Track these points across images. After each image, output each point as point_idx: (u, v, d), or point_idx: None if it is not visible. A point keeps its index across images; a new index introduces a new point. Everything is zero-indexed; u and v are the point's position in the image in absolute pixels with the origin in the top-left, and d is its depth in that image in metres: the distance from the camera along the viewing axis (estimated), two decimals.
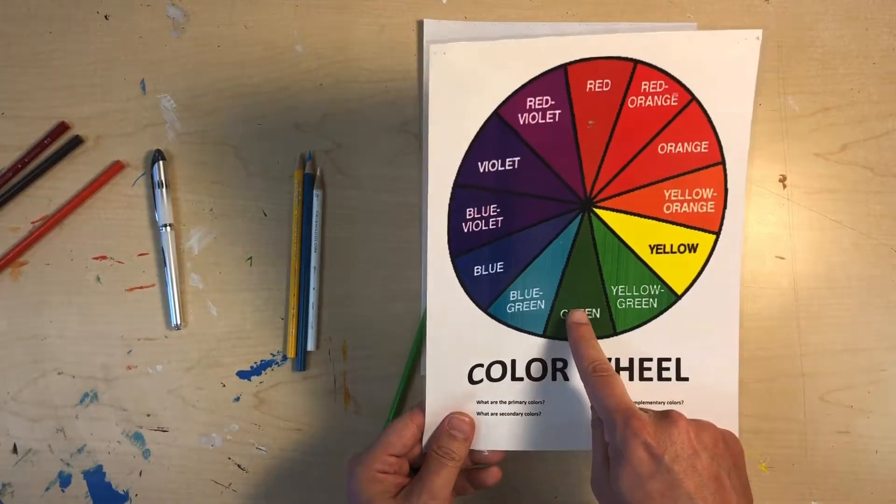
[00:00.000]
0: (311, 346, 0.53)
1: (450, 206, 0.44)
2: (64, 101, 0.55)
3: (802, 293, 0.53)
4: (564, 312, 0.46)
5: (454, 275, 0.45)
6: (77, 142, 0.54)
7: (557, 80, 0.43)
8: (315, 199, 0.54)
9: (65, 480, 0.54)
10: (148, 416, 0.54)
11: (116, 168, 0.54)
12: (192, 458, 0.53)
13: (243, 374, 0.54)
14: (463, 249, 0.45)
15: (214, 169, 0.55)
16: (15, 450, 0.54)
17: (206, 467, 0.53)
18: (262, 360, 0.54)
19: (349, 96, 0.55)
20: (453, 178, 0.44)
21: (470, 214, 0.44)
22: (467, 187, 0.44)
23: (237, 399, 0.54)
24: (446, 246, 0.44)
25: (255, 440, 0.53)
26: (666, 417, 0.39)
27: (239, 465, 0.53)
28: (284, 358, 0.54)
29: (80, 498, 0.54)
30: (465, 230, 0.44)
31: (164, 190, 0.54)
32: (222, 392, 0.54)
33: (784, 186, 0.54)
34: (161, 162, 0.54)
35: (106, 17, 0.56)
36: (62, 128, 0.54)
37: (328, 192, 0.54)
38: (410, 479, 0.45)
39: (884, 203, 0.53)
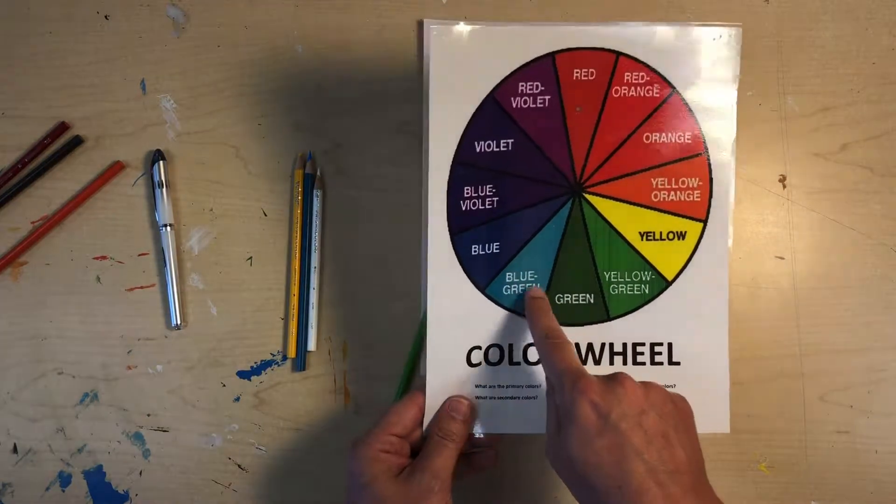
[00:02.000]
0: (311, 346, 0.53)
1: (449, 182, 0.46)
2: (64, 101, 0.55)
3: (802, 293, 0.53)
4: (559, 297, 0.47)
5: (453, 252, 0.46)
6: (77, 142, 0.54)
7: (546, 68, 0.45)
8: (315, 199, 0.54)
9: (65, 480, 0.54)
10: (148, 416, 0.54)
11: (116, 168, 0.54)
12: (192, 458, 0.53)
13: (243, 374, 0.54)
14: (461, 227, 0.46)
15: (214, 169, 0.55)
16: (15, 450, 0.54)
17: (206, 467, 0.53)
18: (262, 360, 0.54)
19: (349, 96, 0.55)
20: (452, 154, 0.46)
21: (467, 193, 0.46)
22: (465, 165, 0.46)
23: (237, 399, 0.54)
24: (445, 223, 0.46)
25: (255, 440, 0.53)
26: (613, 378, 0.40)
27: (239, 465, 0.53)
28: (284, 358, 0.54)
29: (80, 498, 0.54)
30: (463, 208, 0.46)
31: (164, 190, 0.54)
32: (222, 392, 0.54)
33: (784, 186, 0.54)
34: (161, 162, 0.54)
35: (106, 17, 0.56)
36: (62, 128, 0.54)
37: (328, 192, 0.54)
38: (411, 461, 0.45)
39: (884, 203, 0.53)
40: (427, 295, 0.46)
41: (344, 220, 0.54)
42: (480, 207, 0.46)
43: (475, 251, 0.46)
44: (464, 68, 0.45)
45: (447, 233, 0.46)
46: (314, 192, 0.54)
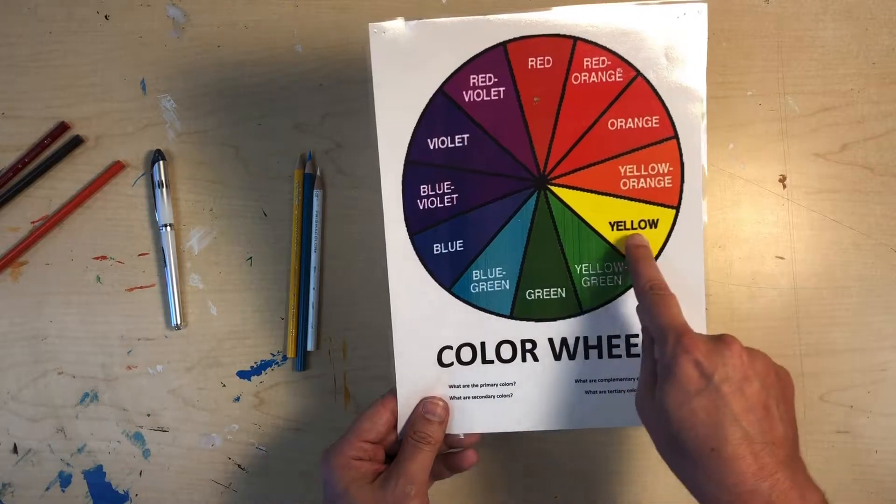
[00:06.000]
0: (311, 346, 0.53)
1: (403, 183, 0.45)
2: (64, 101, 0.55)
3: (802, 293, 0.53)
4: (530, 293, 0.46)
5: (414, 254, 0.45)
6: (77, 142, 0.54)
7: (498, 58, 0.44)
8: (315, 199, 0.54)
9: (65, 480, 0.54)
10: (148, 416, 0.54)
11: (116, 168, 0.54)
12: (192, 458, 0.53)
13: (243, 374, 0.54)
14: (420, 227, 0.45)
15: (214, 169, 0.55)
16: (15, 450, 0.54)
17: (206, 467, 0.53)
18: (262, 360, 0.54)
19: (349, 96, 0.55)
20: (404, 155, 0.45)
21: (424, 191, 0.45)
22: (419, 164, 0.45)
23: (237, 399, 0.54)
24: (403, 224, 0.45)
25: (255, 440, 0.53)
26: (720, 339, 0.38)
27: (239, 465, 0.53)
28: (284, 358, 0.54)
29: (80, 498, 0.54)
30: (421, 207, 0.45)
31: (164, 190, 0.54)
32: (222, 392, 0.54)
33: (784, 186, 0.54)
34: (161, 162, 0.54)
35: (106, 17, 0.56)
36: (62, 128, 0.54)
37: (328, 192, 0.54)
38: (386, 466, 0.45)
39: (884, 203, 0.53)
40: (390, 296, 0.45)
41: (344, 220, 0.54)
42: (439, 205, 0.45)
43: (437, 250, 0.45)
44: (408, 65, 0.43)
45: (405, 234, 0.45)
46: (314, 192, 0.54)
